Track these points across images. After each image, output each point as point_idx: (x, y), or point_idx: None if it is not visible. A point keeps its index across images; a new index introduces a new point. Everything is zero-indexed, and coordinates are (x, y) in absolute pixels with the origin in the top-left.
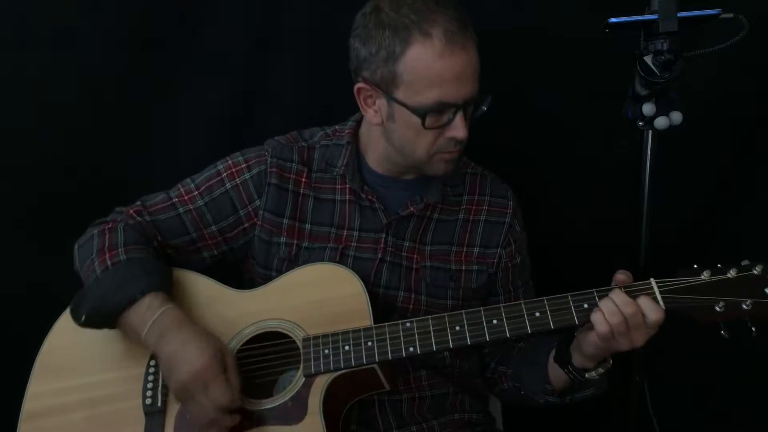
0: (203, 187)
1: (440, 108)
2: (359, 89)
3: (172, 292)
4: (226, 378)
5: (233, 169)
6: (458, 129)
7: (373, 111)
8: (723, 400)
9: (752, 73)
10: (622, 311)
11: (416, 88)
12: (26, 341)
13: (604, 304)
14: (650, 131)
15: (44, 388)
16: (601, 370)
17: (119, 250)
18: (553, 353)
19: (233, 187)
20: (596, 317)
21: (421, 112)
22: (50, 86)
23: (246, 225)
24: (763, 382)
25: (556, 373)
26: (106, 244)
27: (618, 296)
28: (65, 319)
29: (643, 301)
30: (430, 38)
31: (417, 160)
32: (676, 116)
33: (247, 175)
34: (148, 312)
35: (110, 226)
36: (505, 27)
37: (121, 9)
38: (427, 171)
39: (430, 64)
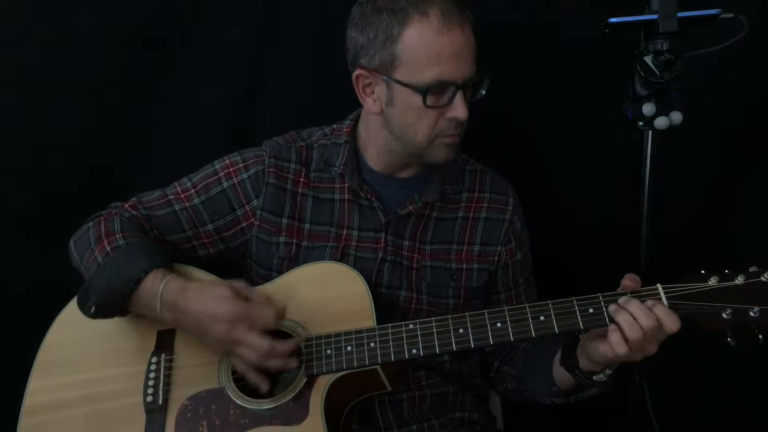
0: (200, 186)
1: (440, 86)
2: (357, 77)
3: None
4: None
5: (231, 169)
6: (458, 109)
7: (372, 99)
8: (723, 400)
9: (752, 73)
10: (642, 326)
11: (415, 68)
12: (26, 341)
13: (623, 320)
14: (650, 131)
15: (45, 383)
16: (608, 372)
17: (117, 236)
18: (558, 356)
19: (230, 186)
20: (614, 338)
21: (422, 90)
22: (50, 86)
23: (243, 224)
24: (763, 381)
25: (561, 375)
26: (103, 232)
27: (634, 306)
28: (66, 315)
29: (660, 311)
30: (427, 17)
31: (417, 146)
32: (676, 116)
33: (244, 175)
34: (153, 288)
35: (105, 217)
36: (505, 27)
37: (121, 9)
38: (428, 158)
39: (428, 42)
